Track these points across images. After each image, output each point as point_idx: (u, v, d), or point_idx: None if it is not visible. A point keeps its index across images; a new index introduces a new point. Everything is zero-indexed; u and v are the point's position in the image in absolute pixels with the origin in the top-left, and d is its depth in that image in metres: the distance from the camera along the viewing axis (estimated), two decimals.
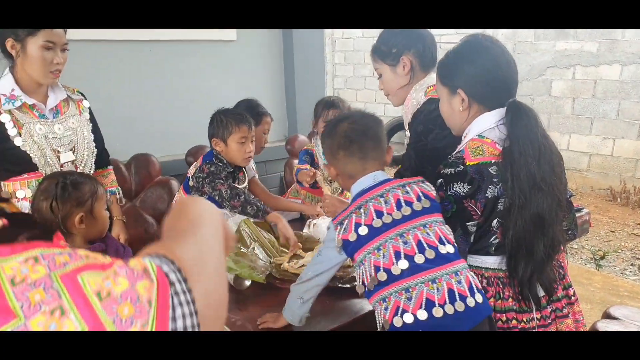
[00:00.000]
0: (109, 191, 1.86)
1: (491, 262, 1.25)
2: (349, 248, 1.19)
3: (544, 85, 5.47)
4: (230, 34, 3.02)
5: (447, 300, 1.09)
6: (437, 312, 1.07)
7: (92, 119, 1.85)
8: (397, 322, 1.09)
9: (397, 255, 1.13)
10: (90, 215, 1.25)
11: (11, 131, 1.59)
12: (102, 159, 1.87)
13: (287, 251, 1.79)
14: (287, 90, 3.38)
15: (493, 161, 1.19)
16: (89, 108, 1.85)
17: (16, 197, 1.67)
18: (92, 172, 1.79)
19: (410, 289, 1.10)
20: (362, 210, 1.20)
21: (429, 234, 1.16)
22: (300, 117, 3.32)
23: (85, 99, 1.85)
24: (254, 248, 1.72)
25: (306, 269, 1.30)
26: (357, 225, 1.18)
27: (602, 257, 3.70)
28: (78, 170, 1.73)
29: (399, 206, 1.18)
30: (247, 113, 2.11)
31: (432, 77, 1.59)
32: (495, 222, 1.22)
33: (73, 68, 1.72)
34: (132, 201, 2.45)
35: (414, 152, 1.59)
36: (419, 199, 1.19)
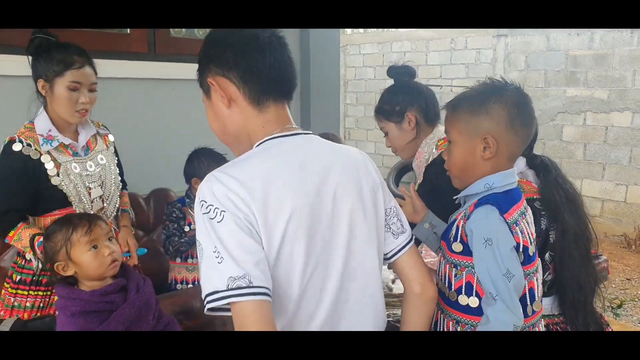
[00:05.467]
0: (122, 210, 1.92)
1: (546, 304, 1.25)
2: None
3: (554, 131, 5.52)
4: None
5: None
6: None
7: (116, 152, 1.90)
8: None
9: None
10: (71, 262, 1.21)
11: (51, 171, 1.62)
12: (122, 184, 1.92)
13: None
14: (302, 126, 3.44)
15: (535, 197, 1.25)
16: (113, 142, 1.90)
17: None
18: (117, 205, 1.84)
19: None
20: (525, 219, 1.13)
21: None
22: None
23: (110, 132, 1.90)
24: None
25: None
26: (528, 234, 1.11)
27: (619, 306, 3.62)
28: (104, 204, 1.78)
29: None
30: None
31: (440, 131, 1.65)
32: (547, 256, 1.24)
33: (98, 103, 1.76)
34: (149, 235, 2.47)
35: (426, 195, 1.60)
36: None
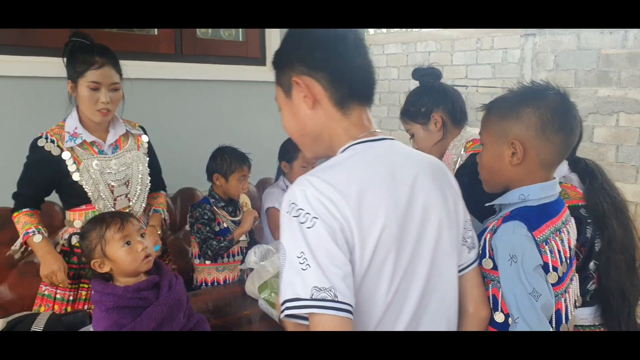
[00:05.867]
0: (154, 209, 1.96)
1: (587, 314, 1.22)
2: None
3: (585, 132, 5.38)
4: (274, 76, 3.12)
5: None
6: None
7: (150, 153, 1.95)
8: None
9: None
10: (106, 259, 1.25)
11: (71, 167, 1.70)
12: (157, 184, 1.99)
13: None
14: None
15: (580, 204, 1.21)
16: (148, 142, 1.94)
17: (74, 227, 1.76)
18: (144, 204, 1.88)
19: None
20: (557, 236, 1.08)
21: None
22: None
23: (145, 133, 1.95)
24: None
25: None
26: (559, 253, 1.06)
27: None
28: (130, 202, 1.81)
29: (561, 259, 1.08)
30: (290, 146, 2.33)
31: (469, 132, 1.64)
32: (592, 264, 1.20)
33: (126, 103, 1.82)
34: (175, 234, 2.50)
35: None
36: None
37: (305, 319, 0.84)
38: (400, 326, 0.93)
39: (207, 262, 2.11)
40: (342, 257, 0.84)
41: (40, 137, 1.71)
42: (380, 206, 0.88)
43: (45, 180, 1.73)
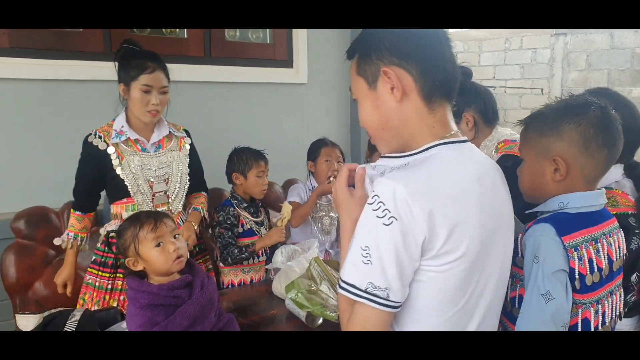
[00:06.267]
0: (194, 208, 2.05)
1: (624, 325, 1.19)
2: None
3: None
4: (302, 77, 3.15)
5: None
6: None
7: (192, 155, 2.04)
8: None
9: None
10: (139, 258, 1.28)
11: (114, 161, 1.83)
12: (198, 186, 2.08)
13: None
14: (352, 131, 3.45)
15: (630, 212, 1.16)
16: (190, 144, 2.05)
17: (121, 218, 1.88)
18: (182, 202, 1.98)
19: None
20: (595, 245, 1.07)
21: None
22: (363, 155, 3.38)
23: (189, 136, 2.06)
24: (324, 286, 1.73)
25: None
26: (590, 262, 1.04)
27: None
28: (169, 199, 1.91)
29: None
30: (312, 146, 2.43)
31: (500, 133, 1.62)
32: (634, 277, 1.16)
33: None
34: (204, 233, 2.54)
35: None
36: None
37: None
38: (473, 325, 0.95)
39: (233, 264, 2.13)
40: (407, 260, 0.85)
41: (91, 134, 1.86)
42: (469, 214, 0.88)
43: (93, 173, 1.87)
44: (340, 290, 0.89)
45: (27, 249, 2.12)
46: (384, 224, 0.83)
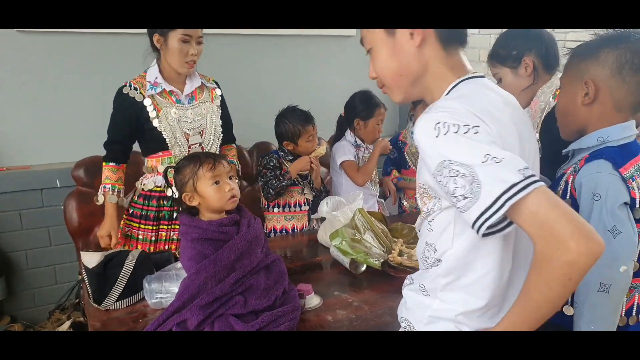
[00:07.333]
0: (229, 160, 2.03)
1: None
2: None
3: None
4: (349, 29, 3.08)
5: None
6: None
7: (223, 106, 2.02)
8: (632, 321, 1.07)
9: None
10: (196, 193, 1.35)
11: (151, 113, 1.83)
12: (228, 137, 2.09)
13: (396, 241, 1.80)
14: None
15: None
16: (221, 96, 2.02)
17: (155, 172, 1.91)
18: (217, 152, 1.98)
19: None
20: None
21: None
22: (407, 109, 3.31)
23: (219, 87, 2.03)
24: (367, 235, 1.75)
25: None
26: None
27: None
28: (204, 151, 1.91)
29: None
30: (362, 104, 2.33)
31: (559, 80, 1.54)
32: None
33: (204, 58, 1.88)
34: (252, 185, 2.61)
35: (545, 148, 1.53)
36: None
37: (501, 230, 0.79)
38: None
39: (276, 210, 2.20)
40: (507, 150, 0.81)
41: (125, 85, 1.84)
42: (512, 131, 0.87)
43: (129, 125, 1.85)
44: (486, 230, 0.77)
45: (86, 196, 2.26)
46: (475, 133, 0.80)
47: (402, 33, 0.94)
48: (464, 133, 0.80)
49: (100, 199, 1.87)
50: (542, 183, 0.76)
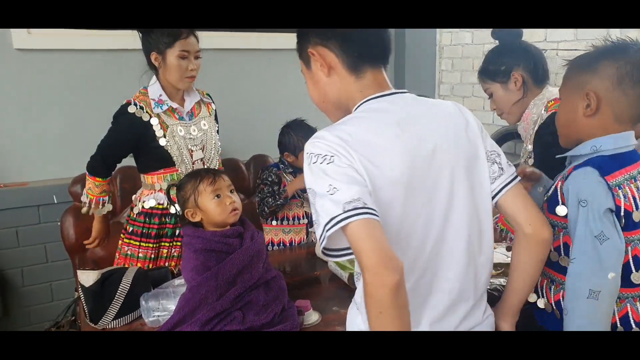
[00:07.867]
0: None
1: None
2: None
3: None
4: None
5: None
6: None
7: (217, 120, 2.03)
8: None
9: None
10: (198, 209, 1.36)
11: (158, 132, 1.81)
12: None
13: None
14: None
15: None
16: (215, 110, 2.03)
17: (155, 190, 1.89)
18: (217, 167, 1.97)
19: None
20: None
21: None
22: None
23: (213, 101, 2.03)
24: None
25: None
26: (634, 198, 1.06)
27: None
28: (204, 166, 1.91)
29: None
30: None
31: (550, 92, 1.59)
32: None
33: (202, 73, 1.89)
34: (249, 198, 2.60)
35: (541, 163, 1.54)
36: None
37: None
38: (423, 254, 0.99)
39: (274, 223, 2.19)
40: (361, 180, 0.90)
41: (130, 104, 1.80)
42: (386, 152, 0.93)
43: (130, 143, 1.84)
44: (323, 252, 0.91)
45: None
46: (328, 163, 0.90)
47: (315, 65, 1.05)
48: (320, 164, 0.91)
49: (84, 210, 1.91)
50: (366, 215, 0.84)
